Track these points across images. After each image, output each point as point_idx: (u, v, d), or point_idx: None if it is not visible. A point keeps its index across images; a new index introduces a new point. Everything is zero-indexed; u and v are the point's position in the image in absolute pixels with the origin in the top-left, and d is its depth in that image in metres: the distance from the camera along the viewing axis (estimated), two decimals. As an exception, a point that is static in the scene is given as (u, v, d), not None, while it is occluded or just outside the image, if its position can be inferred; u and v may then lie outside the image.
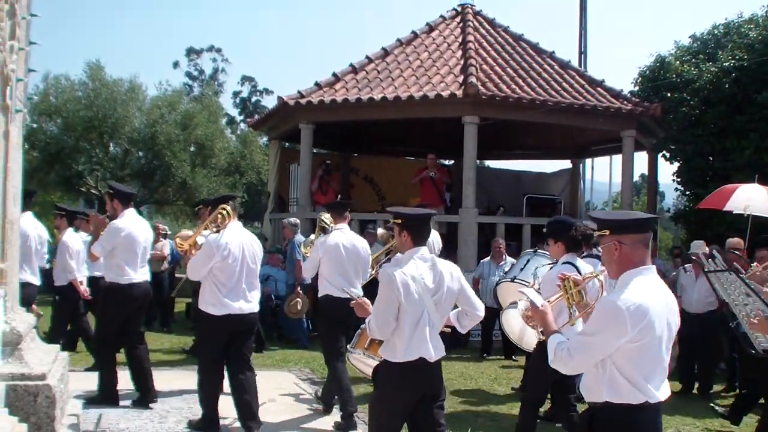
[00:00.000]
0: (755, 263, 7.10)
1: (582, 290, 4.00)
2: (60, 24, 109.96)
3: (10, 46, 4.80)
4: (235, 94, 60.16)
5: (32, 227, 8.98)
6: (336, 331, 7.14)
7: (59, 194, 25.68)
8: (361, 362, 5.44)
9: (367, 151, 19.06)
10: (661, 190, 29.65)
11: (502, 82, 13.66)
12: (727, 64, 14.96)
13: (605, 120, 13.97)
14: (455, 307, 4.79)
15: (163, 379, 8.48)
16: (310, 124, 14.14)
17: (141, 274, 7.46)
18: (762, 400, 7.71)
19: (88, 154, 24.13)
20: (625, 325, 3.32)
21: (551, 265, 6.32)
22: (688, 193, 17.22)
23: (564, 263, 5.78)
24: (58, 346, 6.02)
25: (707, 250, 9.37)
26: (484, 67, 14.09)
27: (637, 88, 17.64)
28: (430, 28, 16.12)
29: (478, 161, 15.14)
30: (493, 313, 9.17)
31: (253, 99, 60.26)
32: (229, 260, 6.34)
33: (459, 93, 12.97)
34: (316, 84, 14.34)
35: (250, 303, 6.54)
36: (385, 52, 15.28)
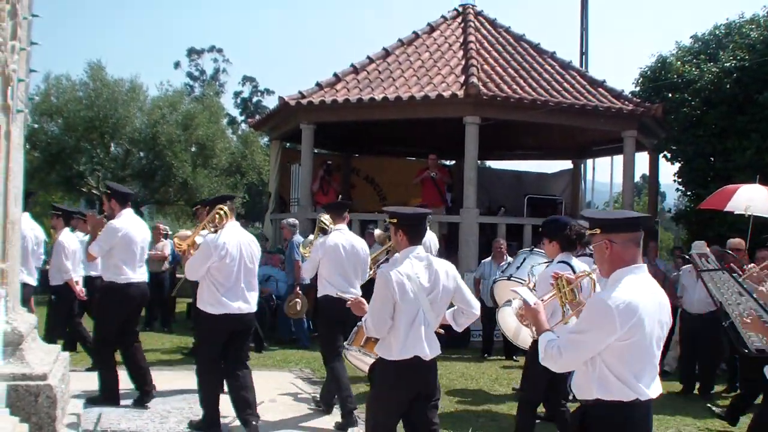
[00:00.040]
0: (752, 264, 7.10)
1: (575, 289, 4.02)
2: (61, 24, 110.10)
3: (12, 46, 4.81)
4: (236, 94, 60.26)
5: (29, 228, 8.99)
6: (335, 331, 7.14)
7: (60, 194, 25.71)
8: (358, 359, 5.48)
9: (368, 151, 19.06)
10: (662, 190, 29.69)
11: (503, 82, 13.66)
12: (728, 64, 14.95)
13: (606, 120, 13.96)
14: (451, 305, 4.82)
15: (163, 379, 8.49)
16: (311, 125, 14.14)
17: (139, 274, 7.48)
18: (760, 399, 7.70)
19: (89, 154, 24.15)
20: (614, 324, 3.34)
21: (547, 264, 6.33)
22: (689, 193, 17.20)
23: (559, 262, 5.79)
24: (59, 346, 6.03)
25: (708, 250, 9.37)
26: (485, 67, 14.09)
27: (638, 89, 17.62)
28: (432, 28, 16.12)
29: (479, 161, 15.15)
30: (494, 313, 9.16)
31: (254, 99, 60.30)
32: (226, 260, 6.37)
33: (460, 93, 12.97)
34: (317, 84, 14.34)
35: (248, 303, 6.57)
36: (387, 53, 15.28)
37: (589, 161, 19.07)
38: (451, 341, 11.47)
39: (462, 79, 13.60)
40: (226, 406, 6.62)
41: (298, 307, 11.41)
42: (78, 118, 22.64)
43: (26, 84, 5.44)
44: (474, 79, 13.12)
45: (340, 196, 14.51)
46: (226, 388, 6.72)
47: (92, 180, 24.48)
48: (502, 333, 7.36)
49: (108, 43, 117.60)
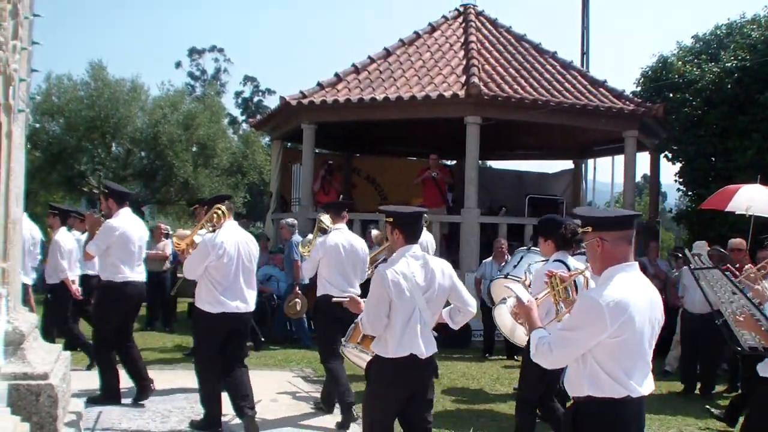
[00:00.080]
0: (749, 265, 7.12)
1: (568, 287, 4.04)
2: (63, 24, 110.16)
3: (13, 45, 4.80)
4: (237, 94, 60.21)
5: (26, 227, 9.01)
6: (333, 330, 7.14)
7: (61, 194, 25.74)
8: (355, 356, 5.51)
9: (369, 151, 19.06)
10: (663, 190, 29.66)
11: (505, 82, 13.66)
12: (729, 64, 14.94)
13: (607, 120, 13.96)
14: (448, 303, 4.84)
15: (165, 378, 8.50)
16: (313, 125, 14.14)
17: (137, 273, 7.52)
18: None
19: (90, 154, 24.17)
20: (605, 321, 3.36)
21: (544, 263, 6.34)
22: (690, 193, 17.19)
23: (555, 261, 5.80)
24: (60, 346, 6.03)
25: (706, 251, 9.37)
26: (487, 67, 14.09)
27: (639, 89, 17.62)
28: (433, 28, 16.12)
29: (480, 161, 15.15)
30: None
31: (255, 99, 60.25)
32: (224, 259, 6.40)
33: (461, 93, 12.97)
34: (319, 84, 14.34)
35: (246, 303, 6.61)
36: (388, 52, 15.27)
37: (590, 161, 19.08)
38: (453, 341, 11.51)
39: (463, 79, 13.60)
40: (226, 404, 6.63)
41: (298, 307, 11.41)
42: (79, 118, 22.65)
43: (27, 84, 5.44)
44: (475, 79, 13.12)
45: (341, 196, 14.51)
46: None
47: (93, 180, 24.49)
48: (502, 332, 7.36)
49: (109, 43, 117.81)
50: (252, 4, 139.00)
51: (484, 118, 13.13)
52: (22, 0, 5.00)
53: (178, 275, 14.21)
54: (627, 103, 14.25)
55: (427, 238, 8.88)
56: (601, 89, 14.62)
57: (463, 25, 15.97)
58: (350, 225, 7.79)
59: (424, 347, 4.60)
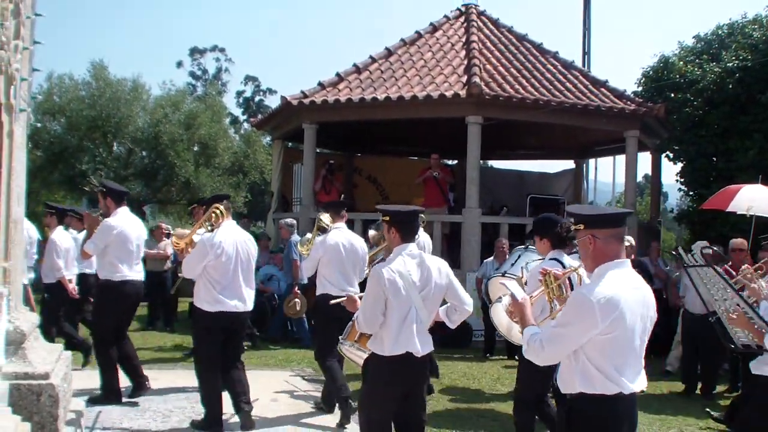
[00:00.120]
0: (745, 265, 7.14)
1: (562, 284, 4.05)
2: (64, 24, 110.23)
3: (15, 45, 4.80)
4: (239, 93, 60.14)
5: None
6: (332, 330, 7.15)
7: (63, 194, 25.74)
8: (352, 353, 5.53)
9: (370, 151, 19.07)
10: (664, 190, 29.61)
11: (506, 82, 13.65)
12: (730, 64, 14.95)
13: (609, 120, 13.95)
14: (445, 302, 4.86)
15: (165, 378, 8.51)
16: (314, 124, 14.14)
17: (135, 272, 7.54)
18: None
19: (91, 153, 24.16)
20: (595, 318, 3.39)
21: (540, 261, 6.35)
22: (691, 193, 17.21)
23: (551, 259, 5.82)
24: (61, 345, 6.03)
25: (710, 251, 9.37)
26: (488, 67, 14.08)
27: (640, 89, 17.63)
28: (434, 28, 16.11)
29: (481, 161, 15.13)
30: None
31: (257, 99, 60.19)
32: (222, 258, 6.44)
33: (462, 93, 12.96)
34: (320, 84, 14.33)
35: (244, 302, 6.65)
36: (389, 52, 15.27)
37: (592, 161, 19.07)
38: (453, 341, 11.53)
39: (464, 78, 13.60)
40: (227, 404, 6.65)
41: (298, 307, 11.42)
42: (81, 118, 22.65)
43: (29, 83, 5.44)
44: (476, 79, 13.11)
45: (342, 195, 14.51)
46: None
47: (95, 179, 24.47)
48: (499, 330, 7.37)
49: (111, 43, 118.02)
50: (253, 3, 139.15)
51: (485, 118, 13.12)
52: (24, -1, 5.00)
53: (179, 275, 14.24)
54: (628, 103, 14.24)
55: (423, 237, 8.91)
56: (603, 89, 14.61)
57: (465, 24, 15.97)
58: (351, 225, 7.82)
59: (420, 345, 4.63)
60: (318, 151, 15.53)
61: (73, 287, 9.62)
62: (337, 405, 7.22)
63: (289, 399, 8.12)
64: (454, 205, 14.88)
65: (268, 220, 17.22)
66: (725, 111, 14.74)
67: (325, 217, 7.78)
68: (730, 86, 14.70)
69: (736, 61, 14.86)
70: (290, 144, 17.51)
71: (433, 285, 4.68)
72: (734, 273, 7.02)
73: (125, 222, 7.47)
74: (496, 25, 16.29)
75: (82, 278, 10.07)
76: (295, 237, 11.66)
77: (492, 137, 14.37)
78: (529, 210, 15.36)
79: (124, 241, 7.38)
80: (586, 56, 20.83)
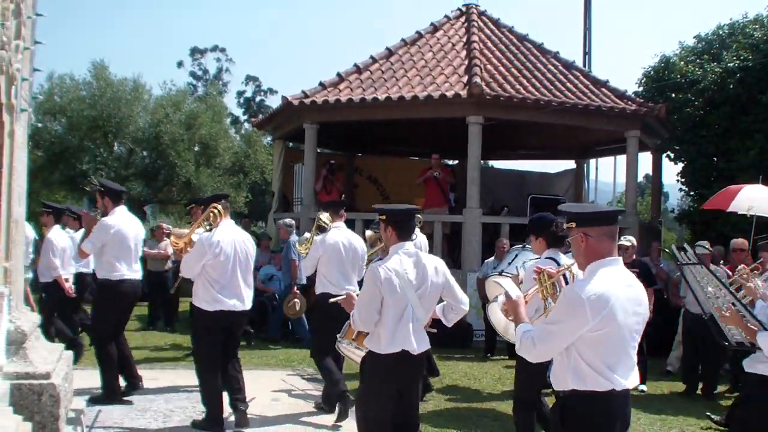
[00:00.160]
0: (742, 265, 7.15)
1: (556, 283, 4.07)
2: (65, 24, 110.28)
3: (16, 45, 4.80)
4: (239, 93, 60.11)
5: None
6: (330, 329, 7.15)
7: (63, 193, 25.75)
8: (350, 351, 5.55)
9: (371, 151, 19.06)
10: (665, 190, 29.60)
11: (507, 82, 13.65)
12: (731, 64, 14.95)
13: (609, 120, 13.95)
14: (441, 300, 4.89)
15: (167, 378, 8.53)
16: (315, 124, 14.14)
17: (133, 271, 7.56)
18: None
19: (92, 153, 24.17)
20: (585, 314, 3.40)
21: (537, 260, 6.35)
22: (692, 193, 17.20)
23: (546, 258, 5.83)
24: (62, 345, 6.04)
25: (705, 251, 9.36)
26: (489, 67, 14.08)
27: (641, 89, 17.63)
28: (435, 28, 16.11)
29: (482, 161, 15.13)
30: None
31: (257, 99, 60.16)
32: (220, 258, 6.46)
33: (463, 93, 12.96)
34: (321, 84, 14.33)
35: (243, 301, 6.67)
36: (390, 52, 15.27)
37: (592, 161, 19.06)
38: (455, 341, 11.53)
39: (465, 78, 13.59)
40: (227, 403, 6.66)
41: (297, 307, 11.42)
42: (81, 118, 22.67)
43: (30, 83, 5.44)
44: (477, 79, 13.11)
45: (343, 195, 14.51)
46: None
47: (95, 179, 24.48)
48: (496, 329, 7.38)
49: (111, 43, 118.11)
50: (254, 3, 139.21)
51: (486, 118, 13.11)
52: None
53: (180, 274, 14.24)
54: (629, 103, 14.23)
55: (420, 238, 8.95)
56: (604, 89, 14.60)
57: (466, 24, 15.96)
58: (352, 225, 7.84)
59: (416, 343, 4.68)
60: (319, 151, 15.53)
61: (69, 286, 9.63)
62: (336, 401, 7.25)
63: (289, 398, 8.12)
64: (455, 205, 14.87)
65: (269, 220, 17.22)
66: (726, 111, 14.74)
67: (325, 216, 7.80)
68: (731, 86, 14.70)
69: (737, 61, 14.86)
70: (291, 144, 17.52)
71: (430, 283, 4.72)
72: (731, 273, 7.02)
73: (122, 221, 7.49)
74: (496, 25, 16.28)
75: (79, 278, 10.08)
76: (294, 237, 11.67)
77: (493, 137, 14.37)
78: (530, 210, 15.32)
79: (121, 240, 7.40)
80: (586, 56, 20.84)
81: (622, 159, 15.48)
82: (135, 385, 7.68)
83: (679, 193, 19.94)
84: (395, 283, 4.57)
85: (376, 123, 14.94)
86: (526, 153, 20.07)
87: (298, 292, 11.39)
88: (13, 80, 4.77)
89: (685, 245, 8.88)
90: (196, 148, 25.07)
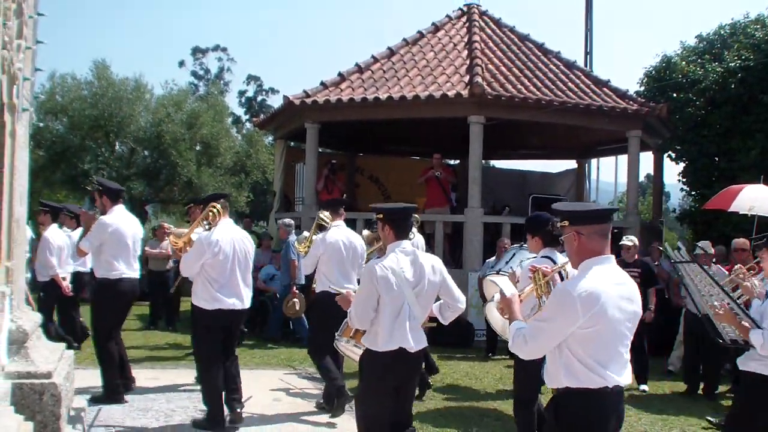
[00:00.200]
0: (738, 265, 7.15)
1: (550, 281, 4.08)
2: (66, 23, 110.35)
3: (17, 44, 4.81)
4: (241, 93, 60.11)
5: None
6: (328, 327, 7.15)
7: (65, 193, 25.74)
8: (348, 350, 5.56)
9: (372, 150, 19.06)
10: (666, 190, 29.59)
11: (508, 81, 13.65)
12: (733, 64, 14.94)
13: (611, 120, 13.94)
14: (438, 299, 4.92)
15: (167, 377, 8.53)
16: (316, 124, 14.15)
17: (132, 270, 7.57)
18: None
19: (93, 153, 24.14)
20: (576, 311, 3.42)
21: (534, 259, 6.36)
22: (693, 193, 17.20)
23: (542, 257, 5.84)
24: (63, 345, 6.04)
25: (713, 251, 9.37)
26: (490, 66, 14.08)
27: (642, 89, 17.63)
28: (436, 27, 16.11)
29: (483, 161, 15.13)
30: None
31: (259, 98, 60.15)
32: (219, 257, 6.48)
33: (465, 93, 12.96)
34: (322, 83, 14.34)
35: (242, 301, 6.70)
36: (391, 52, 15.27)
37: (594, 161, 19.05)
38: (456, 340, 11.53)
39: (467, 78, 13.59)
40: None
41: (297, 307, 11.43)
42: (83, 117, 22.65)
43: (31, 83, 5.44)
44: (478, 79, 13.11)
45: (344, 195, 14.51)
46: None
47: (96, 179, 24.44)
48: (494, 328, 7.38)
49: (113, 42, 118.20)
50: (255, 3, 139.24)
51: (487, 118, 13.12)
52: (27, -1, 5.00)
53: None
54: (630, 102, 14.23)
55: (417, 238, 8.97)
56: (605, 89, 14.60)
57: (467, 24, 15.97)
58: (353, 224, 7.85)
59: (413, 341, 4.70)
60: (320, 150, 15.54)
61: (66, 285, 9.65)
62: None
63: (289, 398, 8.12)
64: (457, 204, 14.87)
65: (270, 220, 17.22)
66: (727, 111, 14.73)
67: (325, 215, 7.82)
68: (733, 86, 14.70)
69: (739, 61, 14.85)
70: (292, 143, 17.52)
71: (427, 282, 4.74)
72: (729, 272, 7.04)
73: (120, 219, 7.50)
74: (498, 24, 16.28)
75: (77, 276, 10.08)
76: (293, 237, 11.68)
77: (494, 137, 14.36)
78: (532, 210, 15.31)
79: (119, 239, 7.41)
80: (588, 56, 20.83)
81: (623, 159, 15.49)
82: (128, 385, 7.70)
83: (680, 192, 19.94)
84: (392, 281, 4.60)
85: (378, 123, 14.94)
86: (528, 153, 20.07)
87: (297, 291, 11.40)
88: (15, 80, 4.77)
89: (679, 244, 8.90)
90: (198, 148, 25.03)
